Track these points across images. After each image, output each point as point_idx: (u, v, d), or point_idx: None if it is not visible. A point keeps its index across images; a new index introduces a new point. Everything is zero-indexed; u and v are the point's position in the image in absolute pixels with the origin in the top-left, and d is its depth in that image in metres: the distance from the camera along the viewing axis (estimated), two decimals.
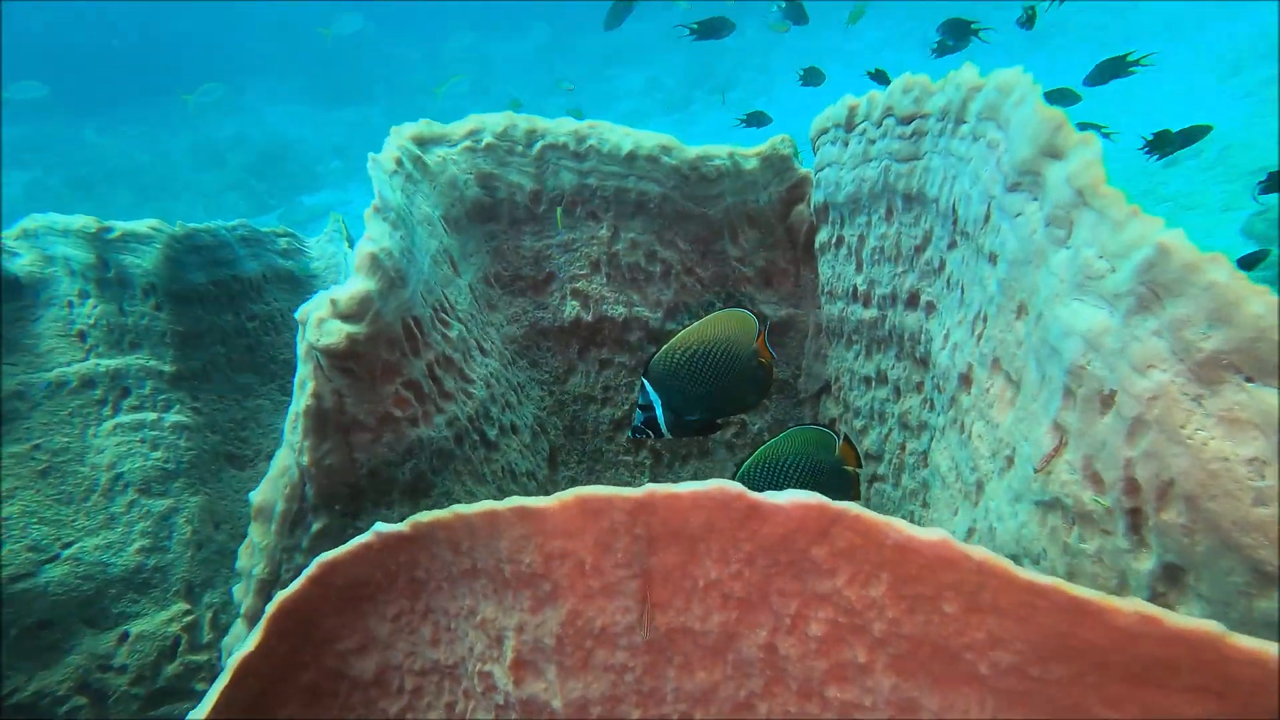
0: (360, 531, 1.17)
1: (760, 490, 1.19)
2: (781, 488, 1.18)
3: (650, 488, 0.45)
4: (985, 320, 0.76)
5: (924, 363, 1.16)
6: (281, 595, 0.57)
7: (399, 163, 1.28)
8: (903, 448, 1.31)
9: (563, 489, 1.73)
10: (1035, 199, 0.67)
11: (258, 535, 1.05)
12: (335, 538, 1.09)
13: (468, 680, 0.59)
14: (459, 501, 1.31)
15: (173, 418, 1.96)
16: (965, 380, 0.82)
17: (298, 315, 0.96)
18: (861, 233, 1.30)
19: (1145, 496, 0.46)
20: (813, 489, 1.17)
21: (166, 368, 1.99)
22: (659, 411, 1.11)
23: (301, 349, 0.98)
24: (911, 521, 1.30)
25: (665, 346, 1.08)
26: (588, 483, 1.91)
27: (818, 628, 0.41)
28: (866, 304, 1.34)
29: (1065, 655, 0.31)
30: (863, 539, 0.39)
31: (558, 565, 0.49)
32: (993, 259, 0.75)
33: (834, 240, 1.44)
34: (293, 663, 0.64)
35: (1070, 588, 0.32)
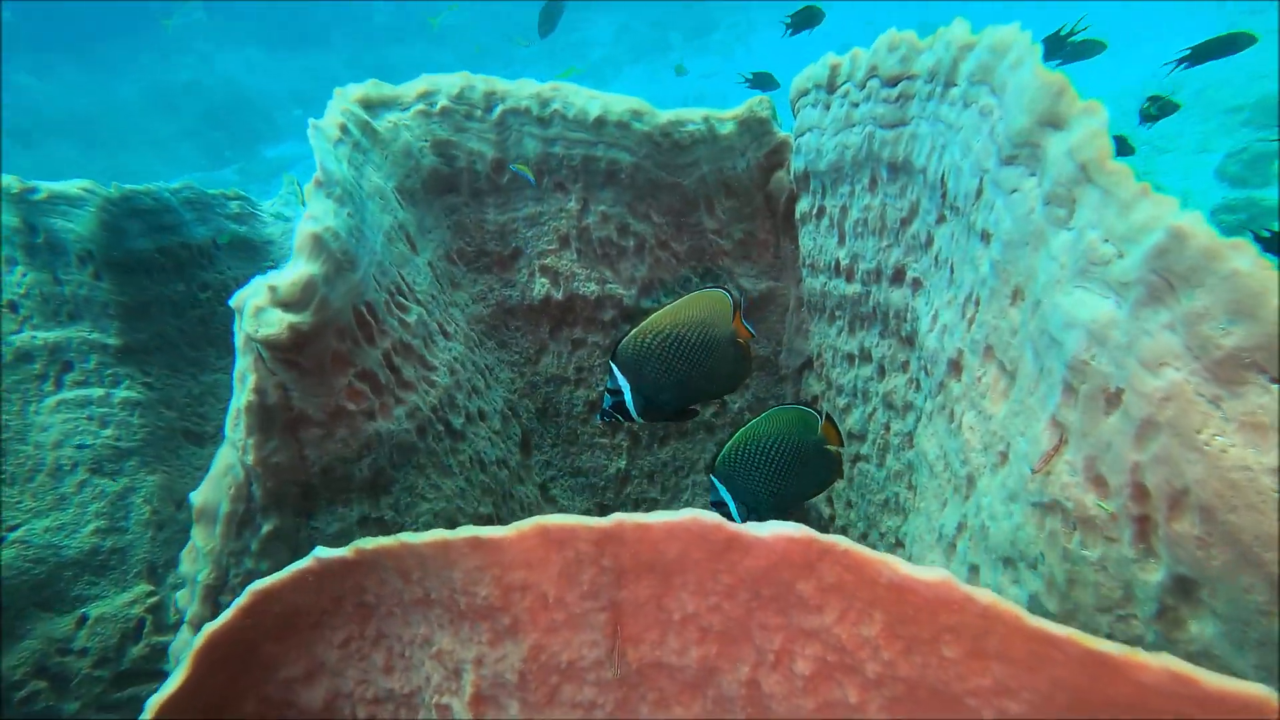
0: (316, 533, 1.13)
1: (742, 474, 1.17)
2: (764, 470, 1.16)
3: (618, 518, 0.40)
4: (977, 304, 0.73)
5: (910, 341, 1.14)
6: (210, 628, 0.52)
7: (344, 129, 1.19)
8: (887, 428, 1.29)
9: (536, 475, 1.69)
10: (1033, 174, 0.63)
11: (201, 539, 0.99)
12: (288, 539, 1.05)
13: (425, 711, 0.55)
14: (423, 496, 1.27)
15: (122, 393, 1.88)
16: (955, 367, 0.79)
17: (233, 303, 0.89)
18: (844, 203, 1.25)
19: (1155, 504, 0.43)
20: (796, 470, 1.15)
21: (111, 340, 1.88)
22: (628, 396, 1.08)
23: (240, 339, 0.91)
24: (898, 508, 1.29)
25: (635, 330, 1.04)
26: (563, 466, 1.87)
27: (805, 665, 0.38)
28: (849, 279, 1.30)
29: (1083, 710, 0.29)
30: (854, 575, 0.35)
31: (518, 598, 0.45)
32: (985, 238, 0.72)
33: (815, 210, 1.40)
34: (232, 692, 0.60)
35: (1087, 639, 0.29)
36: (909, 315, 1.10)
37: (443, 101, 1.42)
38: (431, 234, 1.48)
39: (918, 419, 1.15)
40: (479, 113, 1.45)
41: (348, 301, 0.98)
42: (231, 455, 0.97)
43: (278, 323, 0.87)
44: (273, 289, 0.87)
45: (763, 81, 3.44)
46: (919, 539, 0.89)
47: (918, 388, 1.13)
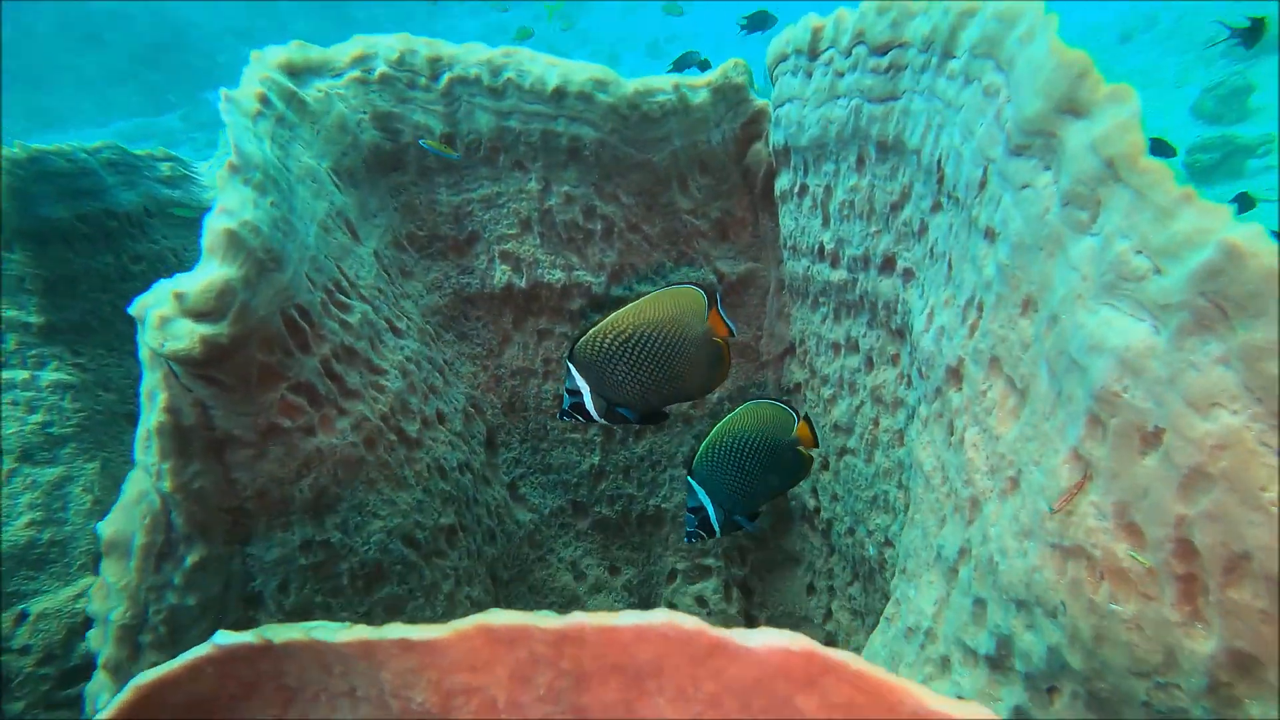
0: (252, 560, 1.05)
1: (719, 475, 1.11)
2: (740, 470, 1.11)
3: (578, 619, 0.34)
4: (980, 309, 0.67)
5: (900, 334, 1.09)
6: None
7: (265, 101, 1.07)
8: (875, 423, 1.25)
9: (503, 474, 1.62)
10: (1048, 168, 0.57)
11: (113, 574, 0.91)
12: (218, 569, 0.96)
13: None
14: (375, 514, 1.19)
15: (50, 376, 1.75)
16: (954, 375, 0.74)
17: (133, 311, 0.79)
18: (828, 183, 1.19)
19: (1206, 565, 0.39)
20: (770, 470, 1.10)
21: (32, 319, 1.75)
22: (587, 398, 1.02)
23: (145, 353, 0.81)
24: (888, 506, 1.25)
25: (595, 328, 0.98)
26: (532, 463, 1.80)
27: None
28: (835, 264, 1.24)
29: None
30: (868, 699, 0.30)
31: (462, 703, 0.38)
32: (990, 236, 0.66)
33: (796, 188, 1.33)
34: None
35: None
36: (899, 307, 1.04)
37: (381, 68, 1.30)
38: (377, 218, 1.38)
39: (909, 417, 1.11)
40: (423, 80, 1.33)
41: (275, 306, 0.88)
42: (144, 481, 0.89)
43: (188, 336, 0.78)
44: (179, 296, 0.77)
45: (759, 22, 3.28)
46: (914, 553, 0.85)
47: (909, 384, 1.09)
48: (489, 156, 1.38)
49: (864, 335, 1.23)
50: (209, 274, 0.79)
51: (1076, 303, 0.50)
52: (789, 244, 1.42)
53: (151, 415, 0.83)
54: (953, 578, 0.71)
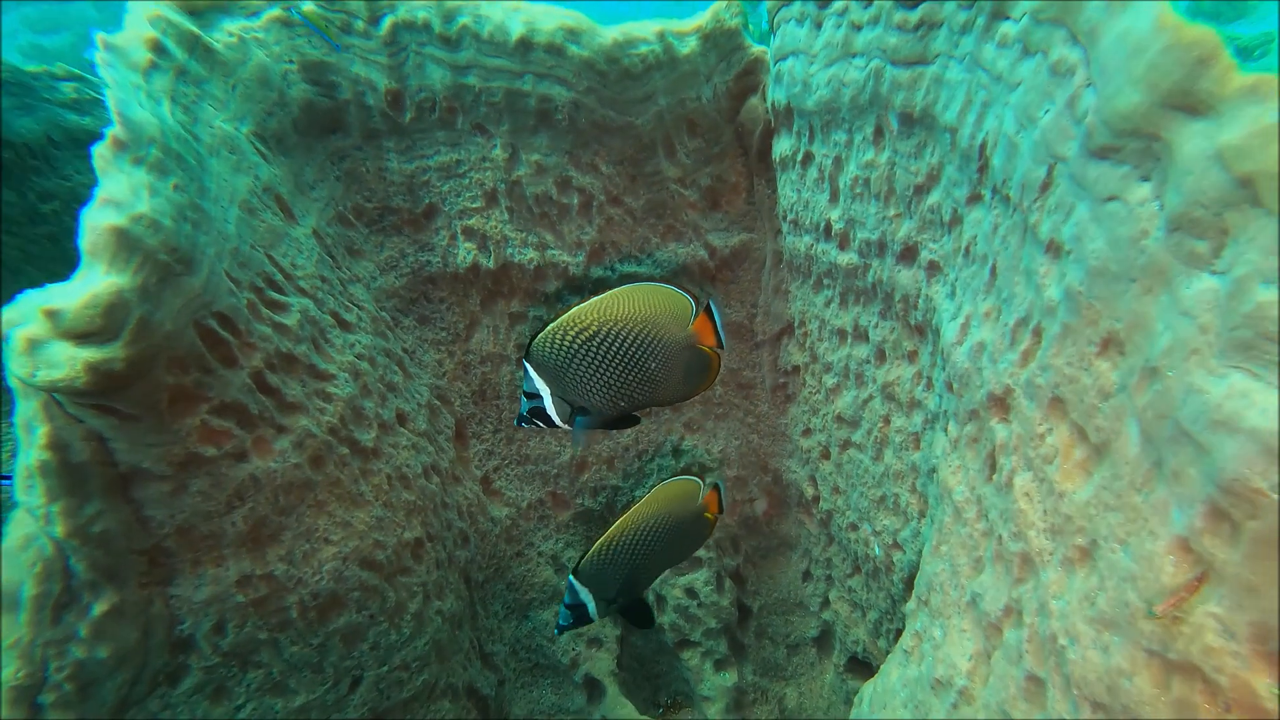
0: (178, 602, 0.94)
1: (610, 569, 1.06)
2: (633, 562, 1.04)
3: None
4: (1038, 336, 0.59)
5: (920, 332, 1.00)
6: None
7: (159, 50, 0.91)
8: (886, 421, 1.18)
9: (475, 469, 1.52)
10: (1146, 179, 0.47)
11: (3, 629, 0.80)
12: (135, 615, 0.86)
13: None
14: (326, 539, 1.10)
15: None
16: (999, 404, 0.66)
17: None
18: (839, 154, 1.08)
19: None
20: (673, 542, 1.05)
21: None
22: (547, 401, 0.94)
23: (12, 380, 0.69)
24: (898, 509, 1.19)
25: (555, 324, 0.90)
26: (507, 454, 1.71)
27: None
28: (844, 246, 1.14)
29: None
30: None
31: None
32: (1054, 250, 0.57)
33: (800, 156, 1.21)
34: None
35: None
36: (921, 303, 0.96)
37: (309, 4, 1.13)
38: (315, 190, 1.23)
39: (928, 423, 1.04)
40: (361, 24, 1.17)
41: (186, 318, 0.76)
42: (30, 524, 0.77)
43: (67, 363, 0.65)
44: (53, 315, 0.64)
45: None
46: (939, 588, 0.79)
47: (929, 387, 1.01)
48: (445, 118, 1.23)
49: (875, 325, 1.14)
50: (92, 285, 0.66)
51: (1191, 359, 0.41)
52: (790, 217, 1.32)
53: (30, 452, 0.72)
54: (994, 635, 0.65)
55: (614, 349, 0.92)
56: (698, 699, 1.69)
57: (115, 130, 0.71)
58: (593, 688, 1.64)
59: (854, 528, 1.42)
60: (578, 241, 1.32)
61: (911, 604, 0.92)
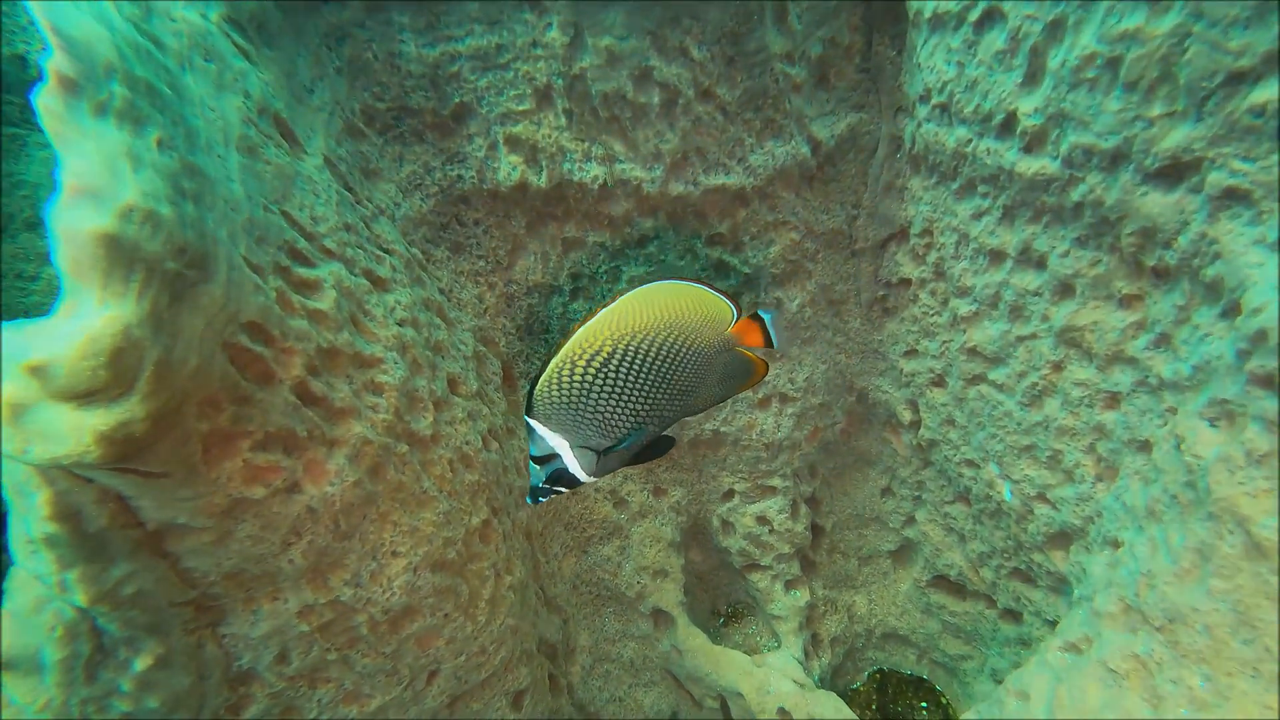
0: (232, 640, 0.82)
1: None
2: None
3: None
4: None
5: (1162, 275, 0.80)
6: None
7: None
8: (1057, 367, 1.01)
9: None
10: None
11: (23, 693, 0.68)
12: (185, 662, 0.75)
13: None
14: (394, 553, 0.96)
15: None
16: None
17: None
18: (1056, 16, 0.82)
19: None
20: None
21: None
22: (566, 459, 0.80)
23: None
24: (1061, 467, 1.05)
25: (554, 362, 0.78)
26: None
27: None
28: (1035, 148, 0.91)
29: None
30: None
31: None
32: None
33: (975, 11, 0.94)
34: None
35: None
36: (1184, 241, 0.75)
37: None
38: (315, 95, 0.98)
39: (1154, 390, 0.86)
40: None
41: (213, 341, 0.56)
42: (38, 589, 0.63)
43: (72, 435, 0.48)
44: (41, 371, 0.45)
45: None
46: (1200, 629, 0.66)
47: (1164, 346, 0.83)
48: None
49: (1065, 254, 0.94)
50: (86, 323, 0.46)
51: None
52: (935, 100, 1.07)
53: (31, 523, 0.55)
54: None
55: (638, 368, 0.80)
56: (766, 616, 1.67)
57: (56, 61, 0.48)
58: (660, 618, 1.61)
59: (972, 465, 1.30)
60: (655, 152, 1.08)
61: (1118, 613, 0.81)
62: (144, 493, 0.59)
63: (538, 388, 0.78)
